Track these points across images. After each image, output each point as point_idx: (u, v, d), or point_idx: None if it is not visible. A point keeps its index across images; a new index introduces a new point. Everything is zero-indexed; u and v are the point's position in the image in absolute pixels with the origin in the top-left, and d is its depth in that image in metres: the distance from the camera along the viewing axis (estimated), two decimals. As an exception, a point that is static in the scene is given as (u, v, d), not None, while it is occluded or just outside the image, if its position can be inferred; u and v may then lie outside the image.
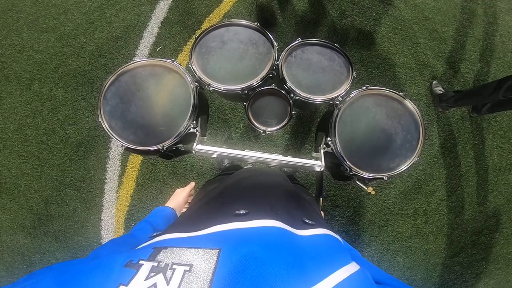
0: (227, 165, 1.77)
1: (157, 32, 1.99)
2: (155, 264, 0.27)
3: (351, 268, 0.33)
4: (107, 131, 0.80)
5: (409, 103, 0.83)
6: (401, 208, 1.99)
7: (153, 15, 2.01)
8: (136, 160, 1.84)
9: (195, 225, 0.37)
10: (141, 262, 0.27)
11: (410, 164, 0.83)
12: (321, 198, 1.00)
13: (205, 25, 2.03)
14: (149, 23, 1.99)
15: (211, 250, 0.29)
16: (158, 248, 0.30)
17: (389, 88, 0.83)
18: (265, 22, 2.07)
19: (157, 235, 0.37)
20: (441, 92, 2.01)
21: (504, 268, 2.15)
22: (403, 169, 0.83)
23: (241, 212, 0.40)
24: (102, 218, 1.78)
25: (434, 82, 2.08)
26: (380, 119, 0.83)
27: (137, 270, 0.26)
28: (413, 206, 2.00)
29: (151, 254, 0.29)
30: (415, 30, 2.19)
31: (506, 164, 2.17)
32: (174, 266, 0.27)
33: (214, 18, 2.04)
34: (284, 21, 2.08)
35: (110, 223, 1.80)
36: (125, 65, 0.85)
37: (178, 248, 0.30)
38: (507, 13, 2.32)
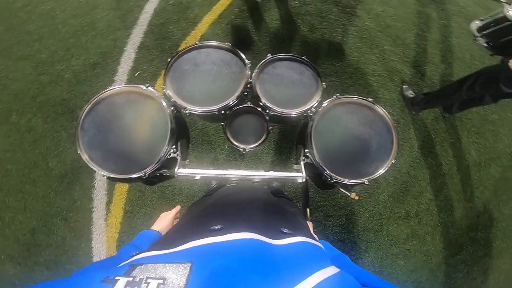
0: (215, 186, 1.77)
1: (135, 57, 2.03)
2: (130, 279, 0.29)
3: (328, 271, 0.35)
4: (87, 163, 0.80)
5: (379, 108, 0.89)
6: (393, 211, 2.03)
7: (129, 40, 2.06)
8: (122, 188, 1.81)
9: (172, 243, 0.39)
10: (117, 278, 0.29)
11: (388, 166, 0.88)
12: (308, 209, 1.01)
13: (182, 48, 2.11)
14: (125, 48, 2.04)
15: (184, 264, 0.31)
16: (133, 265, 0.32)
17: (358, 96, 0.89)
18: (241, 41, 2.18)
19: (136, 254, 0.38)
20: (412, 96, 2.16)
21: (510, 263, 2.20)
22: (382, 172, 0.87)
23: (216, 227, 0.42)
24: (93, 246, 1.74)
25: (404, 86, 2.23)
26: (353, 126, 0.88)
27: (113, 285, 0.28)
28: (404, 208, 2.05)
29: (126, 271, 0.31)
30: (379, 38, 2.38)
31: (485, 158, 2.30)
32: (148, 280, 0.29)
33: (191, 40, 2.12)
34: (260, 39, 2.20)
35: (101, 250, 1.75)
36: (100, 93, 0.86)
37: (152, 264, 0.31)
38: (458, 15, 2.58)
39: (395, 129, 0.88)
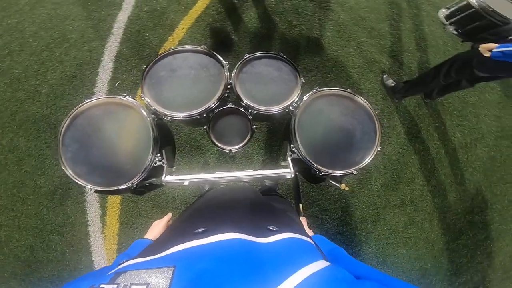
0: (208, 190, 1.76)
1: (113, 67, 1.99)
2: (114, 286, 0.30)
3: (317, 265, 0.35)
4: (73, 178, 0.79)
5: (359, 98, 0.90)
6: (387, 200, 2.06)
7: (105, 50, 2.02)
8: (115, 200, 1.79)
9: (157, 249, 0.39)
10: (101, 285, 0.31)
11: (374, 154, 0.89)
12: (300, 205, 1.02)
13: (160, 53, 2.10)
14: (102, 58, 2.00)
15: (166, 268, 0.32)
16: (119, 273, 0.33)
17: (337, 87, 0.90)
18: (221, 43, 2.17)
19: (123, 262, 0.38)
20: (393, 85, 2.21)
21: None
22: (368, 161, 0.89)
23: (200, 230, 0.42)
24: (94, 258, 1.73)
25: (384, 76, 2.29)
26: (336, 117, 0.89)
27: None
28: (398, 196, 2.09)
29: (111, 278, 0.32)
30: (355, 30, 2.42)
31: (470, 139, 2.37)
32: (132, 286, 0.30)
33: (169, 46, 2.10)
34: (240, 40, 2.20)
35: (103, 263, 1.74)
36: (77, 107, 0.84)
37: (136, 271, 0.32)
38: (427, 4, 2.66)
39: (377, 117, 0.89)
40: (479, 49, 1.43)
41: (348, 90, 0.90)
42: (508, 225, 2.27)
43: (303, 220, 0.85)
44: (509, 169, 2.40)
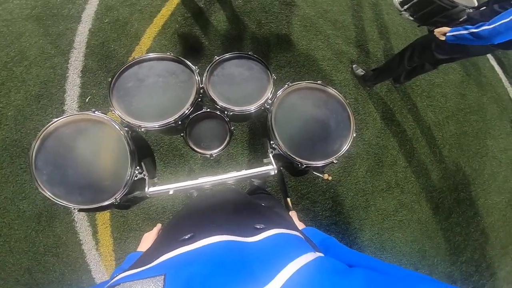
0: (197, 196, 1.76)
1: (80, 82, 1.92)
2: None
3: (306, 258, 0.35)
4: (53, 200, 0.76)
5: (329, 89, 0.93)
6: (374, 185, 2.14)
7: (69, 66, 1.94)
8: (104, 217, 1.75)
9: (147, 260, 0.39)
10: None
11: (351, 140, 0.92)
12: (288, 199, 1.03)
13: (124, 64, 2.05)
14: (68, 74, 1.92)
15: (157, 277, 0.32)
16: (112, 287, 0.33)
17: (308, 80, 0.92)
18: (191, 48, 2.15)
19: (116, 276, 0.38)
20: (363, 73, 2.31)
21: (502, 219, 2.41)
22: (346, 148, 0.91)
23: (186, 237, 0.42)
24: (94, 276, 1.70)
25: (354, 66, 2.38)
26: (310, 110, 0.91)
27: None
28: (384, 180, 2.17)
29: None
30: (321, 24, 2.50)
31: (442, 117, 2.52)
32: None
33: (137, 55, 2.05)
34: (210, 43, 2.20)
35: (104, 279, 1.70)
36: (45, 128, 0.81)
37: (129, 282, 0.32)
38: None
39: (348, 106, 0.93)
40: (434, 33, 1.53)
41: (319, 82, 0.93)
42: (493, 199, 2.43)
43: (293, 214, 0.86)
44: (483, 143, 2.58)
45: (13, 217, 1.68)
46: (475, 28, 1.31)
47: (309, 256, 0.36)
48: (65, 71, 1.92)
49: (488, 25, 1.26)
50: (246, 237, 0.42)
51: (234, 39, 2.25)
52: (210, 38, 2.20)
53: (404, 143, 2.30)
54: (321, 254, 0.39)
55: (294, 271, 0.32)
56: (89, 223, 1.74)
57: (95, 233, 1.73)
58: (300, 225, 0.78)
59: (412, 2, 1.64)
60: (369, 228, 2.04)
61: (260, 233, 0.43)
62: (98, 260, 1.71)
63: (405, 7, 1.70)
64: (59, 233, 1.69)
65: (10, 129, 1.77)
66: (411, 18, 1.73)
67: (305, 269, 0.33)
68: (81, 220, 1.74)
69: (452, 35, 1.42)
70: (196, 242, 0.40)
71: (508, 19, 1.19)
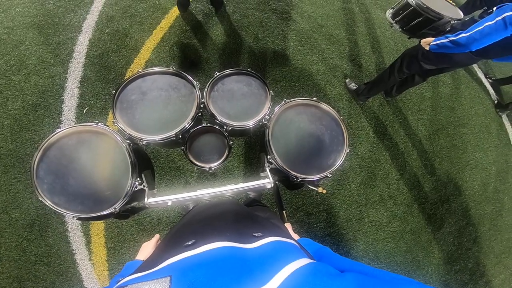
0: (193, 208, 1.78)
1: (79, 93, 1.95)
2: None
3: (301, 262, 0.40)
4: (53, 208, 0.79)
5: (323, 105, 1.00)
6: (367, 198, 2.20)
7: (68, 76, 1.97)
8: (98, 227, 1.76)
9: (151, 265, 0.42)
10: None
11: (345, 155, 0.98)
12: (284, 212, 1.07)
13: (127, 77, 2.09)
14: (66, 84, 1.95)
15: (164, 278, 0.35)
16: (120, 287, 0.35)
17: (303, 97, 0.99)
18: (190, 62, 2.22)
19: (121, 280, 0.41)
20: (355, 87, 2.42)
21: (494, 228, 2.49)
22: (340, 163, 0.98)
23: (189, 243, 0.46)
24: (86, 286, 1.69)
25: (347, 80, 2.50)
26: (305, 126, 0.98)
27: None
28: (377, 192, 2.24)
29: None
30: (316, 38, 2.62)
31: (432, 131, 2.64)
32: None
33: (135, 68, 2.10)
34: (208, 57, 2.27)
35: None
36: (48, 138, 0.83)
37: (136, 284, 0.35)
38: (376, 6, 2.99)
39: (342, 121, 1.00)
40: (421, 43, 1.66)
41: (314, 98, 1.00)
42: (484, 210, 2.52)
43: (288, 226, 0.90)
44: (472, 155, 2.69)
45: (5, 226, 1.68)
46: (454, 36, 1.44)
47: (304, 261, 0.40)
48: (64, 81, 1.95)
49: (465, 33, 1.39)
50: (246, 243, 0.46)
51: (232, 53, 2.34)
52: (208, 51, 2.28)
53: (396, 156, 2.39)
54: (315, 261, 0.44)
55: (291, 272, 0.36)
56: (82, 233, 1.74)
57: (88, 243, 1.72)
58: (295, 237, 0.83)
59: (402, 14, 1.77)
60: (363, 239, 2.09)
61: (258, 240, 0.48)
62: (91, 270, 1.70)
63: (396, 19, 1.83)
64: (51, 243, 1.69)
65: (5, 138, 1.78)
66: (400, 30, 1.86)
67: (300, 271, 0.37)
68: (74, 230, 1.74)
69: (435, 44, 1.56)
70: (199, 248, 0.44)
71: (482, 27, 1.32)
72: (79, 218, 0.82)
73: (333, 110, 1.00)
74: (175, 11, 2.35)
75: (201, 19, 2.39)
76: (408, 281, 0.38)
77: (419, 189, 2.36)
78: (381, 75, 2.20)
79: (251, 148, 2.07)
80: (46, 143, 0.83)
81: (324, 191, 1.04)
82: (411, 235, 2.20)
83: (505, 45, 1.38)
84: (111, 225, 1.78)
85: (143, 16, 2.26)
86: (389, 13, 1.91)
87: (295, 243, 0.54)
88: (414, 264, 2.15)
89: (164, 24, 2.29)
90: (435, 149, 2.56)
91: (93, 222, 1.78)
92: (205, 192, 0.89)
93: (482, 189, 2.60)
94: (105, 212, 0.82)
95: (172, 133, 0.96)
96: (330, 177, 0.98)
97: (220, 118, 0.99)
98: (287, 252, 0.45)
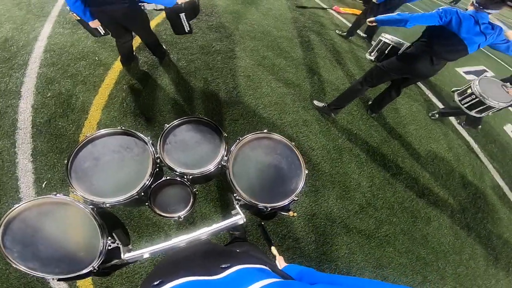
0: None
1: (33, 167, 1.84)
2: None
3: (268, 281, 0.45)
4: (30, 273, 0.78)
5: (275, 135, 1.12)
6: (348, 210, 2.30)
7: (17, 150, 1.87)
8: (86, 285, 1.61)
9: None
10: None
11: (304, 178, 1.08)
12: (273, 248, 1.11)
13: (75, 146, 2.04)
14: (17, 160, 1.84)
15: None
16: None
17: (254, 132, 1.10)
18: (142, 117, 2.25)
19: None
20: (323, 104, 2.72)
21: (481, 211, 2.64)
22: (303, 184, 1.07)
23: (156, 283, 0.50)
24: None
25: (314, 101, 2.83)
26: (262, 158, 1.07)
27: None
28: (355, 203, 2.35)
29: None
30: (261, 71, 2.87)
31: (386, 134, 2.93)
32: None
33: (88, 131, 2.06)
34: (161, 108, 2.32)
35: None
36: (7, 213, 0.82)
37: None
38: (329, 27, 3.41)
39: (295, 147, 1.11)
40: (367, 21, 2.31)
41: (264, 130, 1.11)
42: (461, 195, 2.73)
43: (280, 259, 0.94)
44: (428, 147, 3.01)
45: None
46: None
47: (270, 280, 0.46)
48: (14, 156, 1.85)
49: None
50: (213, 275, 0.51)
51: (184, 100, 2.43)
52: (160, 103, 2.35)
53: (361, 166, 2.58)
54: (282, 280, 0.49)
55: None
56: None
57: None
58: (282, 266, 0.87)
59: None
60: (359, 250, 2.12)
61: (225, 271, 0.52)
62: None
63: (372, 54, 2.54)
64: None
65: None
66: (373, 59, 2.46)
67: (268, 286, 0.43)
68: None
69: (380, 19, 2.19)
70: (165, 285, 0.48)
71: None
72: (60, 279, 0.83)
73: (283, 138, 1.11)
74: (117, 66, 2.40)
75: (146, 70, 2.48)
76: (372, 283, 0.45)
77: (393, 190, 2.52)
78: (352, 86, 2.57)
79: (222, 190, 2.10)
80: (7, 218, 0.82)
81: (295, 214, 1.11)
82: (403, 235, 2.27)
83: None
84: (100, 285, 1.65)
85: (85, 75, 2.26)
86: (368, 53, 2.64)
87: (266, 267, 0.59)
88: (421, 262, 2.19)
89: (109, 80, 2.33)
90: (393, 149, 2.83)
91: (78, 281, 1.65)
92: (180, 239, 0.90)
93: (450, 178, 2.84)
94: (84, 271, 0.83)
95: (134, 192, 0.98)
96: (297, 199, 1.06)
97: (178, 169, 1.04)
98: (252, 275, 0.50)
